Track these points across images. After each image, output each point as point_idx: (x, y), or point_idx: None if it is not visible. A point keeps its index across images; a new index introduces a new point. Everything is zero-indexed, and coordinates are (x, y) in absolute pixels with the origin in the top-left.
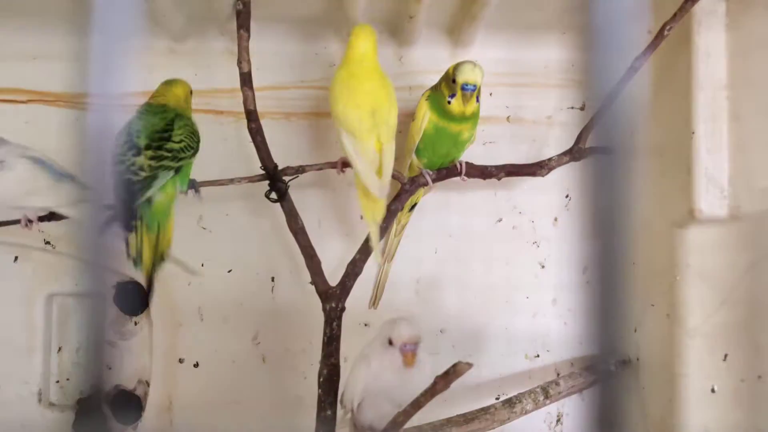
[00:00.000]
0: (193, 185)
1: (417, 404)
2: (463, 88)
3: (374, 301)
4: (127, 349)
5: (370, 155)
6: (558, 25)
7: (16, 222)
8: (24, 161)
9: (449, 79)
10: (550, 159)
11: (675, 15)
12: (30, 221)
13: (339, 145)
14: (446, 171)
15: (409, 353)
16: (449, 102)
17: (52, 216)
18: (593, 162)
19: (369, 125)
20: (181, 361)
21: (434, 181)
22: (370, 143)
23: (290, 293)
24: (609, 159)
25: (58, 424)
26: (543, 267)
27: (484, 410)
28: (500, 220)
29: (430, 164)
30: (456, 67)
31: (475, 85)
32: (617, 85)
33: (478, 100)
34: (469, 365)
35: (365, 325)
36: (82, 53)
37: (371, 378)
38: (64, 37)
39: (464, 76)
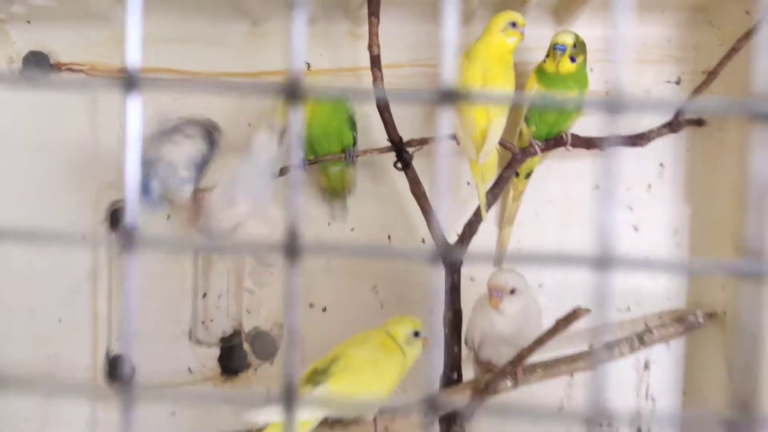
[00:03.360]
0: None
1: (540, 342)
2: (554, 48)
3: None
4: (265, 296)
5: (469, 127)
6: (657, 5)
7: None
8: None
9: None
10: (650, 131)
11: None
12: None
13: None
14: (554, 141)
15: (494, 298)
16: (544, 61)
17: None
18: (688, 133)
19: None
20: (311, 305)
21: (542, 150)
22: (471, 116)
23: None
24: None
25: (205, 359)
26: (636, 230)
27: (588, 352)
28: (597, 187)
29: (538, 134)
30: (555, 34)
31: (564, 46)
32: (719, 64)
33: (574, 60)
34: (588, 310)
35: (471, 279)
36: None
37: (487, 321)
38: (209, 23)
39: (556, 38)
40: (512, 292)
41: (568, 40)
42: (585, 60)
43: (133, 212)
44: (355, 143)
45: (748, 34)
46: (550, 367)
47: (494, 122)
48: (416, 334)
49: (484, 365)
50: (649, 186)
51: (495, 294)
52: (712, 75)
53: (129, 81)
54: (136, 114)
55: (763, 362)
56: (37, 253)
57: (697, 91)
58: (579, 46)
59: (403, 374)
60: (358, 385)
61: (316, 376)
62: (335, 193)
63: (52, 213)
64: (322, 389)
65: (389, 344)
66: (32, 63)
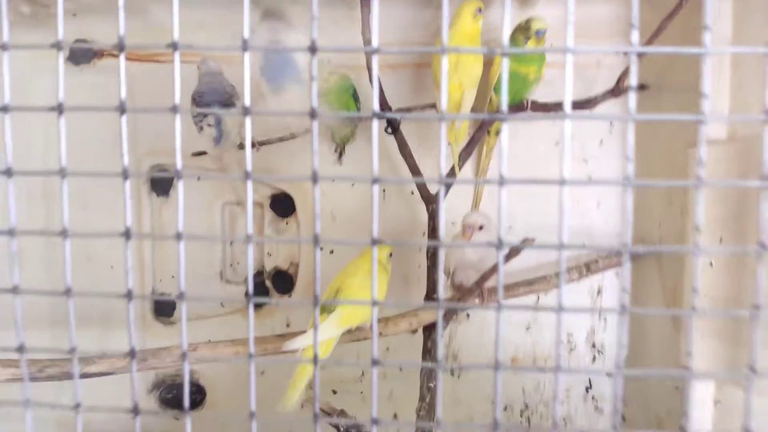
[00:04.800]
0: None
1: (497, 266)
2: (536, 33)
3: (475, 205)
4: (282, 241)
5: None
6: None
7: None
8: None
9: (524, 29)
10: (596, 96)
11: None
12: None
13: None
14: (516, 107)
15: (467, 233)
16: (526, 44)
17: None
18: (631, 97)
19: (450, 75)
20: (321, 249)
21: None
22: (449, 92)
23: (396, 201)
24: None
25: (234, 294)
26: (590, 178)
27: (542, 278)
28: (557, 143)
29: None
30: (529, 20)
31: (543, 30)
32: (648, 40)
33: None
34: (533, 239)
35: (453, 223)
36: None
37: (459, 252)
38: (219, 11)
39: (537, 25)
40: (480, 228)
41: (544, 26)
42: (545, 40)
43: None
44: (358, 111)
45: (670, 16)
46: (512, 289)
47: (466, 94)
48: (390, 255)
49: (457, 287)
50: (601, 142)
51: (468, 230)
52: (646, 46)
53: None
54: None
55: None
56: (92, 210)
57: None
58: None
59: (387, 285)
60: (358, 306)
61: (328, 306)
62: (342, 143)
63: (102, 178)
64: (335, 314)
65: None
66: (77, 50)
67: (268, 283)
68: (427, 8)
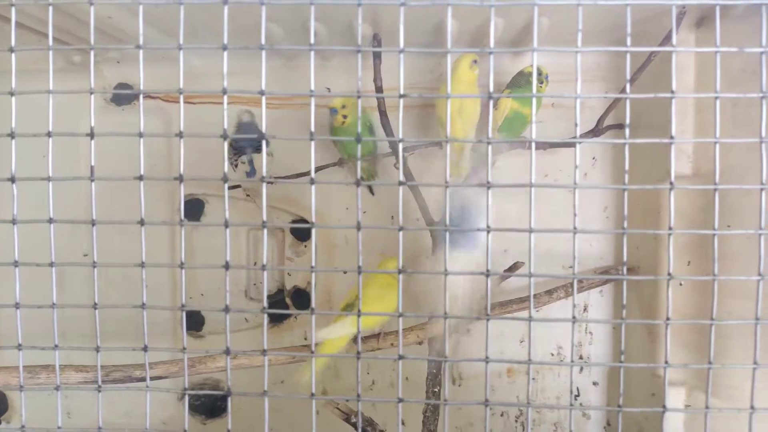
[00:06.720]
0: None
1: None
2: (546, 77)
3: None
4: (300, 262)
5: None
6: (588, 38)
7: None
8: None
9: (526, 76)
10: (578, 136)
11: (659, 45)
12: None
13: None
14: (514, 143)
15: None
16: (520, 85)
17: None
18: (613, 134)
19: (454, 120)
20: (335, 269)
21: (507, 150)
22: (454, 132)
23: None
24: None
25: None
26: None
27: (534, 295)
28: (546, 175)
29: (507, 137)
30: (538, 67)
31: (548, 76)
32: (625, 86)
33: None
34: (522, 263)
35: None
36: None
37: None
38: (253, 60)
39: (546, 71)
40: None
41: (547, 71)
42: (547, 83)
43: None
44: (375, 148)
45: (642, 67)
46: (505, 306)
47: (468, 134)
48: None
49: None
50: (585, 174)
51: None
52: (622, 92)
53: None
54: None
55: (660, 300)
56: (129, 234)
57: (614, 103)
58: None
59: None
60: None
61: (347, 308)
62: (367, 177)
63: (138, 206)
64: (350, 317)
65: (387, 279)
66: (120, 92)
67: (288, 300)
68: (430, 57)
